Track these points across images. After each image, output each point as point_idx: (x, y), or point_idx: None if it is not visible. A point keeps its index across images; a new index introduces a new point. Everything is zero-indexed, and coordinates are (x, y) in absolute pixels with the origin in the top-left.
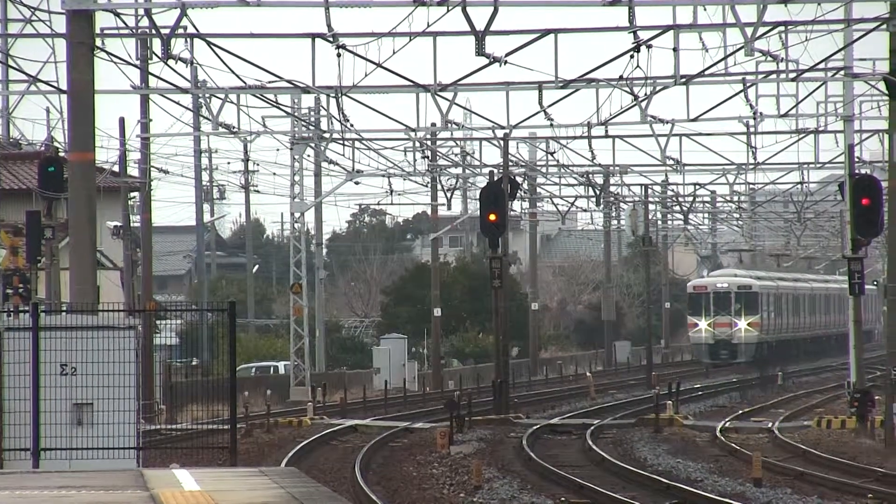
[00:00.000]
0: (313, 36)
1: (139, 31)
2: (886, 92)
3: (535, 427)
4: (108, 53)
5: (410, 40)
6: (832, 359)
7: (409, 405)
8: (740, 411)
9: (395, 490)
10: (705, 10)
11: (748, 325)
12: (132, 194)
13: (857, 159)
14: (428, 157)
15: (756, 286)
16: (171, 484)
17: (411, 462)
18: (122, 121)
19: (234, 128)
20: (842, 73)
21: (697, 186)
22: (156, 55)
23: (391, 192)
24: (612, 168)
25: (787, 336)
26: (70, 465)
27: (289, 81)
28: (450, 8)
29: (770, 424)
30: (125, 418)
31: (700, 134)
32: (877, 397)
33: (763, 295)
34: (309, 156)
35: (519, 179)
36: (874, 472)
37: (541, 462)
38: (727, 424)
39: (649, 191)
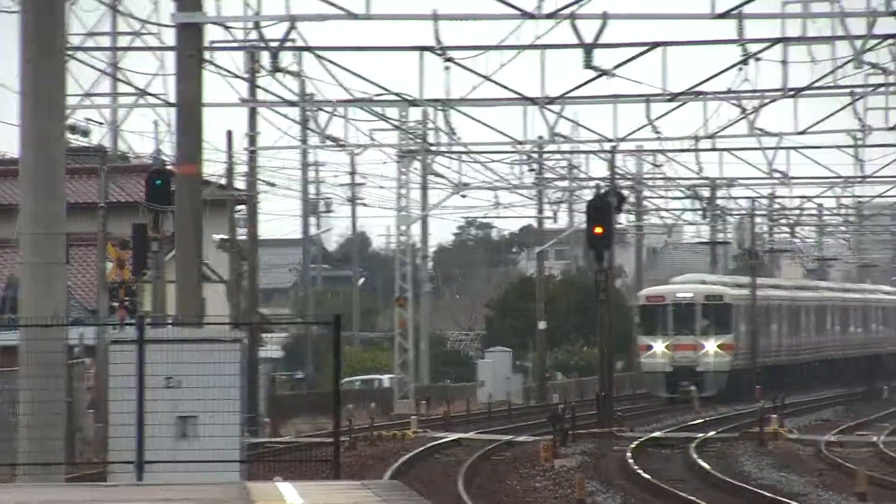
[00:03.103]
0: (422, 49)
1: (248, 43)
2: None
3: (638, 440)
4: (217, 66)
5: (518, 53)
6: (849, 387)
7: (513, 418)
8: (845, 425)
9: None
10: (814, 22)
11: (718, 347)
12: (238, 207)
13: None
14: (534, 170)
15: (729, 296)
16: (274, 497)
17: (514, 476)
18: (229, 133)
19: (341, 141)
20: None
21: (804, 199)
22: (264, 68)
23: (497, 205)
24: (718, 181)
25: (780, 361)
26: (174, 478)
27: (396, 94)
28: (558, 21)
29: (875, 438)
30: (229, 431)
31: (808, 147)
32: None
33: (739, 307)
34: (416, 169)
35: (626, 192)
36: None
37: (644, 476)
38: (832, 438)
39: (756, 204)
